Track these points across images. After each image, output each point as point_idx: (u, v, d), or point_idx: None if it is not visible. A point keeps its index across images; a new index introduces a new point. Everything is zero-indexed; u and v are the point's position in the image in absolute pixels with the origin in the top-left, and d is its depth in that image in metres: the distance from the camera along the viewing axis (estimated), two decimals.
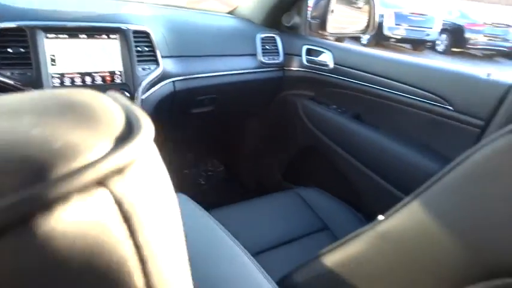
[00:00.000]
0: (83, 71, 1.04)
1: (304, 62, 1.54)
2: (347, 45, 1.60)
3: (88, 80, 1.05)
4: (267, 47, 1.54)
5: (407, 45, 9.90)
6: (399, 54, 1.36)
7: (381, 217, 0.51)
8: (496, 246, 0.38)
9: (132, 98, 1.10)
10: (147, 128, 0.18)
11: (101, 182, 0.16)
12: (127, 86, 1.10)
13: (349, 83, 1.40)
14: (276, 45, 1.56)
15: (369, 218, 0.93)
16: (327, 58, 1.48)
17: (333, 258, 0.56)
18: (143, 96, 1.14)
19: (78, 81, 1.03)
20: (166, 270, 0.19)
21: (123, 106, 0.19)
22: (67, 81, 1.02)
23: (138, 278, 0.17)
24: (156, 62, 1.16)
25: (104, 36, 1.07)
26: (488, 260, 0.38)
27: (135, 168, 0.17)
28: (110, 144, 0.17)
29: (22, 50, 0.96)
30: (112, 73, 1.08)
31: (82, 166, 0.15)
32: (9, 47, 0.94)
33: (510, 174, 0.39)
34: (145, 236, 0.17)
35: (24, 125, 0.16)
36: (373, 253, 0.50)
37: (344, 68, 1.42)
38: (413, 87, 1.16)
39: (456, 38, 9.78)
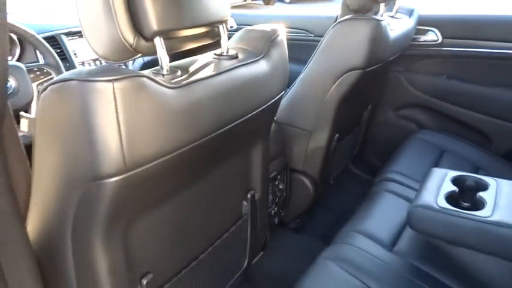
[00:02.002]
0: (95, 57, 1.63)
1: None
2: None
3: (98, 63, 1.64)
4: None
5: (259, 1, 11.07)
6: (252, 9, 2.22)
7: None
8: None
9: None
10: None
11: None
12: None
13: None
14: None
15: None
16: None
17: (288, 97, 1.36)
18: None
19: (92, 64, 1.62)
20: None
21: None
22: (87, 65, 1.60)
23: None
24: None
25: None
26: None
27: None
28: None
29: (58, 50, 1.51)
30: None
31: None
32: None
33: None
34: None
35: None
36: (303, 88, 1.33)
37: None
38: (291, 28, 2.00)
39: None
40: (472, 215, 0.89)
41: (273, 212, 1.40)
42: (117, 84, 0.54)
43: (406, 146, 1.60)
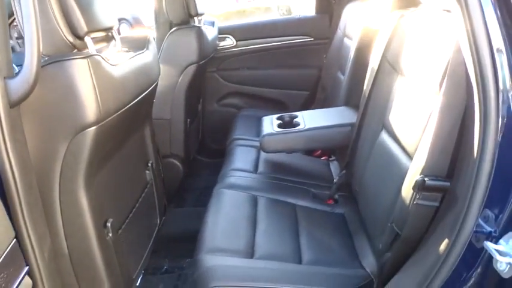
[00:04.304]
0: None
1: None
2: None
3: None
4: None
5: None
6: None
7: None
8: None
9: None
10: None
11: None
12: None
13: None
14: None
15: None
16: None
17: None
18: None
19: None
20: None
21: None
22: None
23: None
24: None
25: None
26: None
27: None
28: None
29: None
30: None
31: None
32: None
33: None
34: None
35: None
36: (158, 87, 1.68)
37: None
38: None
39: None
40: (295, 129, 1.46)
41: None
42: (89, 59, 0.82)
43: (237, 121, 2.13)
